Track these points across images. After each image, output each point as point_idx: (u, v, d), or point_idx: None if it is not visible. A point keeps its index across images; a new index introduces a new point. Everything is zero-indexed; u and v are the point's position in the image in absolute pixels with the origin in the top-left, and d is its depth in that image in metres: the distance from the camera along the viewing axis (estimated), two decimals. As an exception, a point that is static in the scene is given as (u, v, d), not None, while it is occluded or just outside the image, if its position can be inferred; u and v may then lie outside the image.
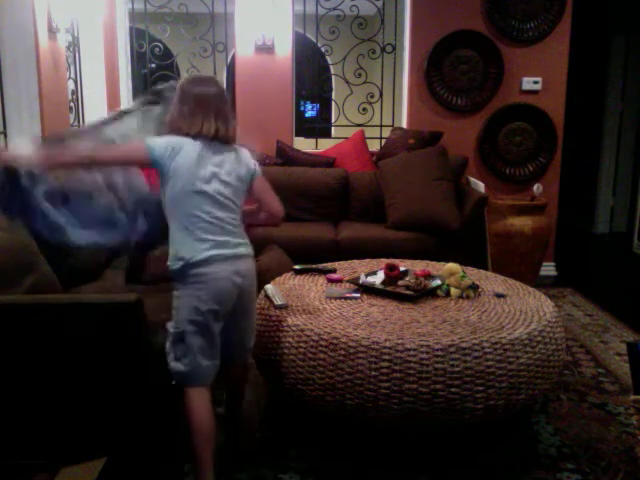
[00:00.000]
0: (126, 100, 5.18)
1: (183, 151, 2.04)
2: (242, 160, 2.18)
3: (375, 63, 5.23)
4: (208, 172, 2.05)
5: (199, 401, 2.06)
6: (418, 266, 3.06)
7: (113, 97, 4.88)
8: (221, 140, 2.11)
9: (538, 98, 4.83)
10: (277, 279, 2.97)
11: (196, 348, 2.05)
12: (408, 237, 4.10)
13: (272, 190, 2.25)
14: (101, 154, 2.10)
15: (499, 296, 2.70)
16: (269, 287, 2.76)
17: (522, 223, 4.52)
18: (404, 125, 5.03)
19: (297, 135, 5.31)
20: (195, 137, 2.07)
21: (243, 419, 2.48)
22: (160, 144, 2.05)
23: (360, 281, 2.82)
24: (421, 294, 2.66)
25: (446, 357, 2.18)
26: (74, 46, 4.47)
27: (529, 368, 2.28)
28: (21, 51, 3.45)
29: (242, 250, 2.14)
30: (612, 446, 2.46)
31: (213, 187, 2.06)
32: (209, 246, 2.03)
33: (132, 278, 2.67)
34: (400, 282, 2.74)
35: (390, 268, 2.78)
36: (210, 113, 2.08)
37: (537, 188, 4.67)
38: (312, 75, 5.78)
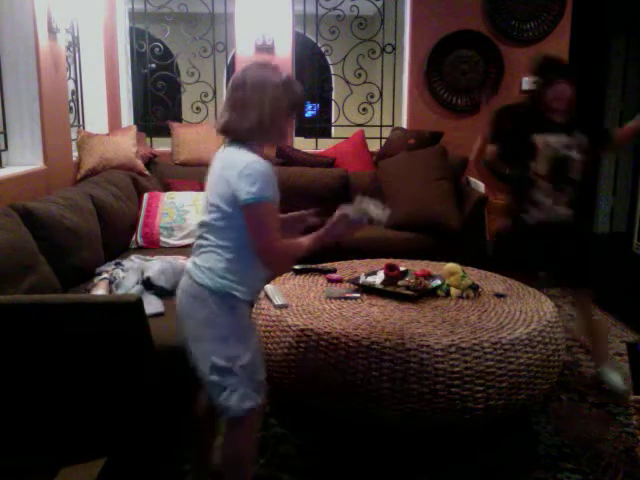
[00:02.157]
0: (126, 100, 5.19)
1: None
2: (228, 173, 1.76)
3: (375, 63, 5.24)
4: (206, 185, 1.88)
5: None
6: (418, 266, 3.06)
7: (113, 97, 4.88)
8: (223, 135, 1.85)
9: (538, 98, 4.82)
10: (277, 279, 2.97)
11: None
12: (408, 237, 4.10)
13: (259, 227, 1.76)
14: None
15: (499, 296, 2.70)
16: (269, 287, 2.76)
17: (522, 223, 4.51)
18: (404, 125, 5.03)
19: (297, 135, 5.31)
20: None
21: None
22: None
23: (360, 281, 2.82)
24: (421, 294, 2.66)
25: (446, 357, 2.18)
26: (74, 46, 4.47)
27: (529, 368, 2.28)
28: (21, 51, 3.45)
29: (188, 265, 1.88)
30: (612, 446, 2.46)
31: (203, 203, 1.87)
32: None
33: None
34: (400, 282, 2.74)
35: (390, 268, 2.78)
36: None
37: (537, 188, 4.67)
38: (312, 75, 5.78)
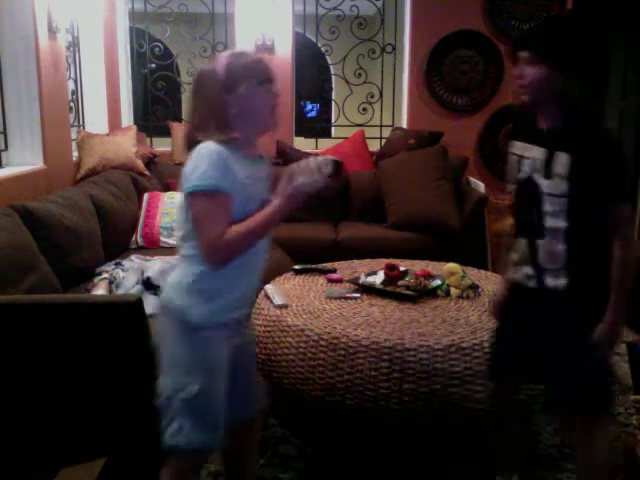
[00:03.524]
0: (126, 100, 5.19)
1: None
2: (185, 168, 1.55)
3: (375, 63, 5.24)
4: None
5: None
6: (418, 266, 3.06)
7: (113, 97, 4.88)
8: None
9: (538, 98, 4.83)
10: (277, 279, 2.97)
11: None
12: (408, 237, 4.10)
13: (201, 220, 1.52)
14: None
15: (499, 296, 2.70)
16: (269, 287, 2.76)
17: (522, 223, 4.51)
18: (404, 125, 5.03)
19: (297, 135, 5.31)
20: None
21: None
22: None
23: (360, 281, 2.81)
24: (421, 294, 2.66)
25: (446, 357, 2.18)
26: (74, 46, 4.47)
27: (529, 368, 2.28)
28: (21, 51, 3.45)
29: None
30: (612, 446, 2.46)
31: None
32: None
33: None
34: (400, 282, 2.74)
35: (390, 268, 2.78)
36: None
37: (537, 188, 4.67)
38: (312, 75, 5.78)
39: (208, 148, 1.51)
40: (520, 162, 1.80)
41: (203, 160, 1.50)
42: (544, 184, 1.72)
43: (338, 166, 1.59)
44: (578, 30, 1.82)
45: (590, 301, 1.74)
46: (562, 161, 1.68)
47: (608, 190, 1.68)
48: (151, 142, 5.21)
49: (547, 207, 1.72)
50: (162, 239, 3.83)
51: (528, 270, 1.79)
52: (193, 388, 1.57)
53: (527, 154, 1.78)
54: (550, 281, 1.75)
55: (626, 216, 1.71)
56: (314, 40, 5.26)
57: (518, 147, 1.83)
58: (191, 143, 1.57)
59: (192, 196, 1.51)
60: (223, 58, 1.59)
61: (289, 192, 1.54)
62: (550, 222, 1.72)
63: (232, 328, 1.65)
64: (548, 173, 1.71)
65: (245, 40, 4.83)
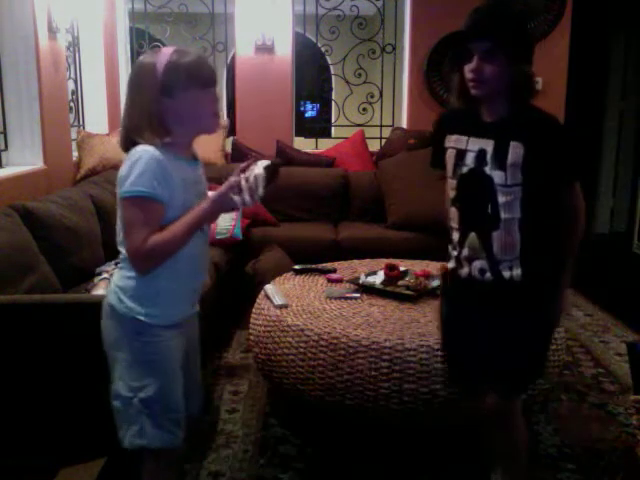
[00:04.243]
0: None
1: None
2: (120, 172, 1.52)
3: (375, 63, 5.24)
4: None
5: None
6: (418, 266, 3.06)
7: (113, 97, 4.88)
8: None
9: (538, 98, 4.82)
10: (277, 279, 2.97)
11: None
12: (408, 237, 4.10)
13: (129, 226, 1.50)
14: None
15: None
16: (269, 287, 2.76)
17: (522, 223, 4.51)
18: (404, 125, 5.03)
19: (297, 135, 5.31)
20: None
21: None
22: None
23: (360, 281, 2.82)
24: (421, 294, 2.66)
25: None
26: (74, 46, 4.47)
27: (529, 368, 2.28)
28: (21, 51, 3.45)
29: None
30: (612, 446, 2.46)
31: None
32: None
33: None
34: (400, 282, 2.74)
35: (390, 268, 2.78)
36: None
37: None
38: (312, 75, 5.78)
39: (145, 152, 1.47)
40: (461, 156, 1.76)
41: (137, 165, 1.46)
42: (497, 176, 1.69)
43: (274, 174, 1.60)
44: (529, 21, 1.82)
45: (546, 288, 1.77)
46: (516, 151, 1.67)
47: (567, 170, 1.72)
48: (151, 142, 5.21)
49: (501, 198, 1.70)
50: (162, 239, 3.83)
51: (481, 264, 1.76)
52: (152, 387, 1.57)
53: (470, 147, 1.74)
54: (506, 272, 1.74)
55: (578, 191, 1.76)
56: (314, 40, 5.26)
57: (457, 140, 1.79)
58: (127, 144, 1.53)
59: (123, 202, 1.49)
60: (165, 55, 1.51)
61: (219, 202, 1.52)
62: (505, 213, 1.71)
63: (181, 325, 1.64)
64: (501, 164, 1.68)
65: (245, 40, 4.83)
